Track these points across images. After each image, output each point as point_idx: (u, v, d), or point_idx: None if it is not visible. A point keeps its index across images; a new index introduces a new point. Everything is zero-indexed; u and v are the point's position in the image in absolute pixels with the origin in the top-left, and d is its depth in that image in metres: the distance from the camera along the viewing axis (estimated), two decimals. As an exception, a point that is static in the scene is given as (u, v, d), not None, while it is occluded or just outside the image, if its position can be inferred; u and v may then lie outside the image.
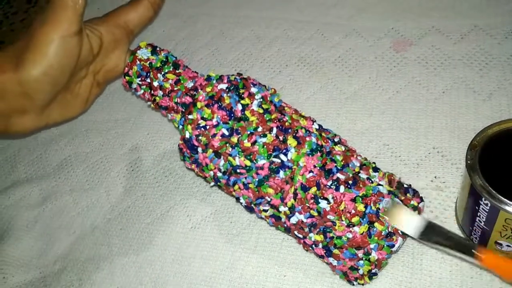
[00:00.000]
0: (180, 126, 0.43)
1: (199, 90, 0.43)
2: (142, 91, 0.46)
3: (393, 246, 0.40)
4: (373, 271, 0.41)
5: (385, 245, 0.40)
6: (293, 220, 0.41)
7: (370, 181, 0.41)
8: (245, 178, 0.41)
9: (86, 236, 0.52)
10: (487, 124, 0.40)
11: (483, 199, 0.37)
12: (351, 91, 0.55)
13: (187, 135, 0.42)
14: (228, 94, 0.42)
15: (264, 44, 0.63)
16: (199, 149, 0.42)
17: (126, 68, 0.46)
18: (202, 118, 0.41)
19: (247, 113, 0.41)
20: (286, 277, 0.44)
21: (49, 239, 0.53)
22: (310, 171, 0.40)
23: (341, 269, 0.41)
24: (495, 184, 0.37)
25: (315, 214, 0.40)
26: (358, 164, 0.42)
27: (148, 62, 0.45)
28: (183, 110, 0.44)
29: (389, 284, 0.42)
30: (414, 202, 0.41)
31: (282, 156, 0.40)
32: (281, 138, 0.41)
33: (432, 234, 0.39)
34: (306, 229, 0.41)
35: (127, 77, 0.46)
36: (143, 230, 0.51)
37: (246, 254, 0.46)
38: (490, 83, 0.51)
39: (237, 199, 0.44)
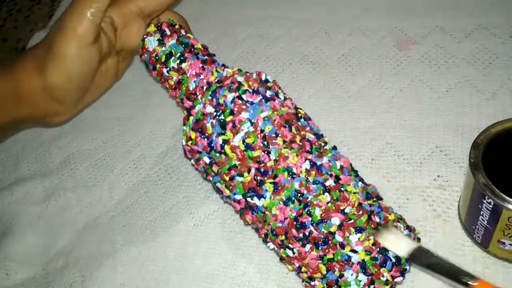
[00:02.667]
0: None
1: (198, 96, 0.41)
2: (154, 76, 0.45)
3: None
4: None
5: None
6: (270, 245, 0.42)
7: (342, 247, 0.38)
8: (227, 199, 0.42)
9: (89, 233, 0.52)
10: (490, 123, 0.40)
11: (486, 197, 0.37)
12: (355, 89, 0.55)
13: (183, 143, 0.42)
14: (212, 122, 0.39)
15: (268, 43, 0.62)
16: (192, 161, 0.43)
17: (140, 52, 0.45)
18: (190, 138, 0.41)
19: (227, 148, 0.39)
20: (288, 275, 0.44)
21: (52, 235, 0.53)
22: (281, 221, 0.39)
23: None
24: (499, 183, 0.37)
25: (284, 255, 0.41)
26: (338, 223, 0.38)
27: (154, 54, 0.43)
28: (183, 111, 0.43)
29: None
30: (387, 277, 0.39)
31: (256, 200, 0.39)
32: (258, 179, 0.39)
33: (423, 258, 0.37)
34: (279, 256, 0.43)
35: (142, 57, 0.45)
36: (146, 227, 0.51)
37: (249, 251, 0.46)
38: (493, 82, 0.51)
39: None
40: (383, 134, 0.51)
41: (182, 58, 0.42)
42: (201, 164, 0.41)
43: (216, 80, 0.41)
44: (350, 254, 0.38)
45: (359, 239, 0.38)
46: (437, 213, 0.44)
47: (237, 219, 0.49)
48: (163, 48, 0.43)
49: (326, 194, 0.39)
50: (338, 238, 0.38)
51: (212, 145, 0.39)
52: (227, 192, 0.41)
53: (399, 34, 0.58)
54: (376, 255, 0.38)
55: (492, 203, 0.37)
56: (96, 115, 0.61)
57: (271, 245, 0.42)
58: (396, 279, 0.39)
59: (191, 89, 0.42)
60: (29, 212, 0.55)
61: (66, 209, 0.54)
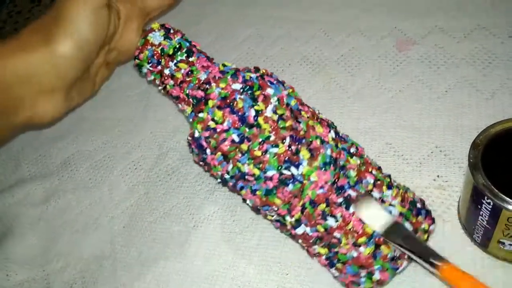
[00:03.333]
0: (190, 120, 0.41)
1: (212, 84, 0.41)
2: (153, 77, 0.44)
3: (397, 269, 0.39)
4: None
5: (389, 268, 0.39)
6: (299, 231, 0.40)
7: (382, 201, 0.39)
8: (253, 185, 0.39)
9: (89, 234, 0.52)
10: (490, 123, 0.40)
11: (485, 198, 0.37)
12: (354, 90, 0.55)
13: (196, 134, 0.40)
14: (242, 97, 0.39)
15: (268, 43, 0.63)
16: (208, 151, 0.40)
17: (137, 51, 0.43)
18: (213, 119, 0.39)
19: (260, 120, 0.39)
20: (288, 275, 0.44)
21: (53, 237, 0.53)
22: (321, 187, 0.38)
23: (343, 280, 0.41)
24: (498, 183, 0.37)
25: (322, 230, 0.39)
26: (372, 181, 0.40)
27: (160, 48, 0.42)
28: (194, 103, 0.41)
29: None
30: (425, 226, 0.40)
31: (293, 169, 0.38)
32: (293, 149, 0.38)
33: (397, 234, 0.38)
34: (311, 241, 0.40)
35: (137, 61, 0.44)
36: (146, 228, 0.51)
37: (249, 252, 0.47)
38: (493, 82, 0.51)
39: (244, 200, 0.43)
40: (383, 134, 0.51)
41: (189, 52, 0.43)
42: (226, 147, 0.39)
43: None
44: (390, 208, 0.39)
45: (391, 194, 0.40)
46: (436, 213, 0.44)
47: (237, 219, 0.49)
48: (170, 42, 0.43)
49: (355, 157, 0.40)
50: (376, 195, 0.39)
51: (244, 117, 0.39)
52: (256, 172, 0.39)
53: (398, 34, 0.58)
54: (410, 207, 0.40)
55: (491, 204, 0.37)
56: (96, 116, 0.61)
57: (301, 229, 0.39)
58: (431, 227, 0.41)
59: (202, 79, 0.42)
60: (29, 213, 0.55)
61: (66, 210, 0.54)
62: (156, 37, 0.43)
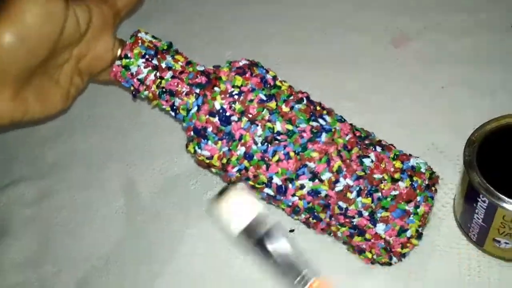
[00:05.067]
0: (195, 109, 0.40)
1: (213, 72, 0.41)
2: (145, 74, 0.41)
3: (433, 197, 0.41)
4: (420, 230, 0.41)
5: (428, 196, 0.40)
6: (339, 186, 0.39)
7: (393, 146, 0.42)
8: (285, 146, 0.39)
9: (83, 234, 0.52)
10: (486, 120, 0.40)
11: (480, 196, 0.37)
12: (349, 87, 0.54)
13: (217, 106, 0.39)
14: (255, 67, 0.41)
15: (262, 41, 0.62)
16: (234, 118, 0.39)
17: (124, 51, 0.41)
18: (234, 86, 0.39)
19: (278, 82, 0.41)
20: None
21: (46, 238, 0.52)
22: (347, 134, 0.41)
23: (390, 235, 0.40)
24: (493, 181, 0.37)
25: (362, 174, 0.39)
26: (375, 135, 0.43)
27: (152, 44, 0.42)
28: (202, 85, 0.41)
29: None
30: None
31: (321, 120, 0.40)
32: (311, 107, 0.41)
33: (252, 234, 0.35)
34: (353, 195, 0.39)
35: (124, 61, 0.41)
36: (140, 228, 0.50)
37: (244, 251, 0.46)
38: (490, 78, 0.50)
39: (267, 185, 0.40)
40: (378, 131, 0.50)
41: (179, 52, 0.43)
42: (254, 108, 0.39)
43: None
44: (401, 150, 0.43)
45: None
46: (432, 211, 0.44)
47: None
48: (161, 42, 0.42)
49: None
50: (385, 142, 0.43)
51: (265, 79, 0.40)
52: (289, 127, 0.39)
53: (395, 31, 0.57)
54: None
55: (486, 202, 0.37)
56: (89, 113, 0.60)
57: (341, 184, 0.39)
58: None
59: (201, 70, 0.42)
60: (23, 214, 0.54)
61: (60, 211, 0.54)
62: (146, 37, 0.42)
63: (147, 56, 0.41)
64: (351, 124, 0.43)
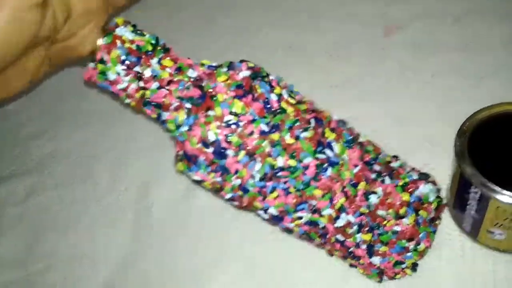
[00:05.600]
0: (185, 128, 0.34)
1: (206, 81, 0.34)
2: (125, 83, 0.34)
3: (435, 231, 0.39)
4: (417, 261, 0.40)
5: (431, 231, 0.39)
6: (340, 222, 0.37)
7: (403, 169, 0.39)
8: (285, 182, 0.35)
9: (71, 232, 0.51)
10: (478, 108, 0.39)
11: (473, 187, 0.36)
12: (339, 77, 0.54)
13: (211, 137, 0.33)
14: (258, 83, 0.34)
15: (252, 31, 0.61)
16: (230, 152, 0.33)
17: (99, 53, 0.34)
18: (232, 113, 0.33)
19: (283, 104, 0.34)
20: (275, 270, 0.43)
21: (35, 236, 0.51)
22: (355, 165, 0.36)
23: (385, 266, 0.39)
24: (486, 172, 0.36)
25: (366, 211, 0.37)
26: (386, 155, 0.40)
27: (134, 44, 0.34)
28: (195, 103, 0.34)
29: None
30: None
31: (328, 151, 0.35)
32: (319, 131, 0.35)
33: None
34: (352, 230, 0.37)
35: (100, 66, 0.34)
36: (128, 225, 0.49)
37: (234, 249, 0.45)
38: (481, 67, 0.50)
39: (263, 210, 0.36)
40: (369, 121, 0.49)
41: (166, 50, 0.35)
42: (253, 141, 0.33)
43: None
44: (411, 173, 0.39)
45: (401, 162, 0.40)
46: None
47: (221, 215, 0.48)
48: (144, 38, 0.34)
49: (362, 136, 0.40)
50: (395, 164, 0.39)
51: (268, 103, 0.34)
52: (292, 163, 0.34)
53: (386, 19, 0.56)
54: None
55: (479, 193, 0.36)
56: (75, 109, 0.59)
57: (342, 219, 0.36)
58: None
59: (193, 77, 0.35)
60: (10, 212, 0.54)
61: (48, 208, 0.53)
62: (126, 33, 0.34)
63: (127, 62, 0.34)
64: (360, 145, 0.38)
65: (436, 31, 0.54)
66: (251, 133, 0.33)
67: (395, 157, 0.41)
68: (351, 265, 0.41)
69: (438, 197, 0.40)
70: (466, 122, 0.39)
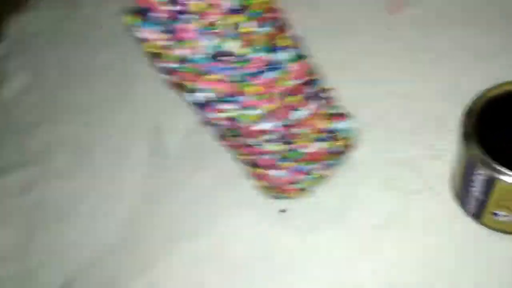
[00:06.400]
0: None
1: None
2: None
3: (338, 164, 0.41)
4: (310, 186, 0.41)
5: (335, 164, 0.41)
6: (260, 126, 0.37)
7: (334, 101, 0.40)
8: (225, 69, 0.34)
9: (70, 223, 0.50)
10: (486, 87, 0.38)
11: (478, 168, 0.35)
12: (342, 56, 0.52)
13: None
14: None
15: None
16: (186, 17, 0.32)
17: None
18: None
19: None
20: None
21: (31, 229, 0.50)
22: (296, 79, 0.37)
23: (280, 181, 0.40)
24: (492, 152, 0.35)
25: (286, 123, 0.37)
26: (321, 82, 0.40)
27: None
28: None
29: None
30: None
31: (278, 55, 0.35)
32: (277, 33, 0.36)
33: None
34: (266, 138, 0.37)
35: None
36: (126, 214, 0.49)
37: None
38: (491, 44, 0.48)
39: (191, 93, 0.35)
40: (373, 102, 0.48)
41: None
42: (217, 13, 0.32)
43: None
44: (340, 108, 0.42)
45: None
46: (429, 184, 0.43)
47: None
48: None
49: None
50: (329, 95, 0.41)
51: None
52: (241, 51, 0.33)
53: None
54: None
55: (484, 174, 0.35)
56: (74, 99, 0.58)
57: (267, 124, 0.37)
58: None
59: None
60: (7, 205, 0.53)
61: (47, 200, 0.52)
62: None
63: None
64: (307, 66, 0.38)
65: (442, 7, 0.52)
66: (217, 6, 0.32)
67: (333, 90, 0.42)
68: (250, 176, 0.41)
69: (352, 136, 0.41)
70: (473, 101, 0.38)
